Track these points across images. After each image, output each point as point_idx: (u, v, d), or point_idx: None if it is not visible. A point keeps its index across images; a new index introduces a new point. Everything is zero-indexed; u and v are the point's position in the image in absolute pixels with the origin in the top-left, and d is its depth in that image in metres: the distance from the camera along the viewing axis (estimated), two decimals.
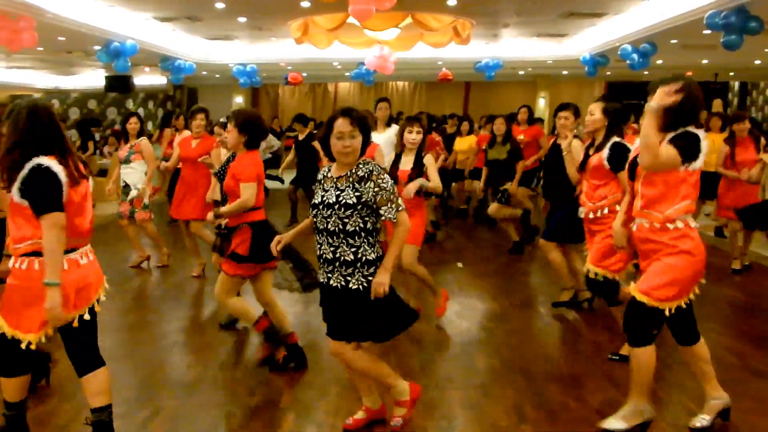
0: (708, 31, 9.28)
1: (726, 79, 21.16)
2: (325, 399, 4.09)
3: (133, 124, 7.45)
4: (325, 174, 3.48)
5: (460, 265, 7.71)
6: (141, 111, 21.09)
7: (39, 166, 3.03)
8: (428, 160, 5.28)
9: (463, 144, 10.27)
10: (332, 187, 3.36)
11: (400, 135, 5.34)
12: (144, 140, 7.47)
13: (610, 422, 3.55)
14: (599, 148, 4.44)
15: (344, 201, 3.29)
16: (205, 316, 5.99)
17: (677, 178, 3.32)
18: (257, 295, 4.67)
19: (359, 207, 3.29)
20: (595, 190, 4.41)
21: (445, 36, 12.65)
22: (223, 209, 4.52)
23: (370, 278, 3.34)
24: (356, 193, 3.29)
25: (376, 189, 3.29)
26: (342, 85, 23.61)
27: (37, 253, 3.04)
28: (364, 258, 3.34)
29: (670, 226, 3.36)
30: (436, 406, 4.04)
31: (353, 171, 3.34)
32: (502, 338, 5.22)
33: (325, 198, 3.35)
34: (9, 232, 3.19)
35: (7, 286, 3.17)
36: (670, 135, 3.31)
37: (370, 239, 3.37)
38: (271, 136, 14.47)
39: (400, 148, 5.35)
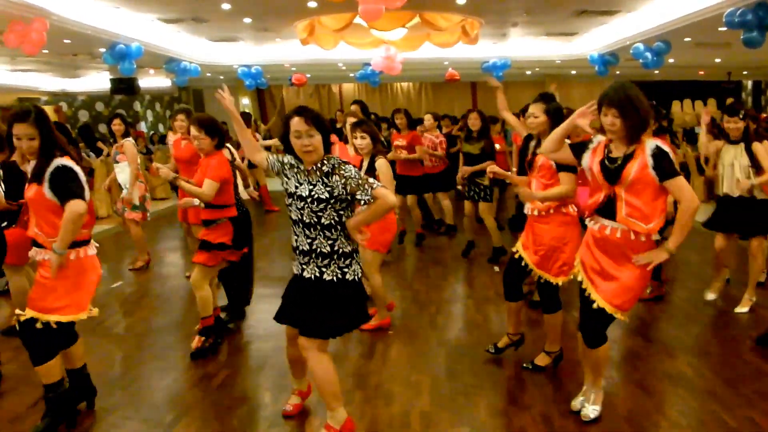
0: (724, 29, 9.11)
1: (739, 77, 20.93)
2: (351, 405, 4.01)
3: (117, 126, 7.61)
4: (297, 164, 3.49)
5: (496, 269, 7.51)
6: (149, 113, 21.01)
7: (63, 165, 3.51)
8: (380, 164, 5.19)
9: None
10: (305, 180, 3.43)
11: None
12: (127, 141, 7.55)
13: (588, 410, 3.79)
14: None
15: (317, 196, 3.37)
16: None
17: (656, 191, 3.39)
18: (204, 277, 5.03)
19: (332, 201, 3.36)
20: (545, 189, 4.31)
21: (453, 36, 12.50)
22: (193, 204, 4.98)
23: (345, 269, 3.44)
24: (327, 188, 3.36)
25: (342, 181, 3.34)
26: (346, 86, 23.50)
27: (77, 243, 3.57)
28: (341, 250, 3.43)
29: (643, 238, 3.45)
30: (462, 413, 3.97)
31: (319, 166, 3.41)
32: (533, 344, 5.04)
33: (298, 190, 3.43)
34: (38, 229, 3.58)
35: (46, 279, 3.54)
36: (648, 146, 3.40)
37: (346, 232, 3.43)
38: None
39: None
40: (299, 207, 3.41)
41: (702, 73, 19.30)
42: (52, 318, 3.55)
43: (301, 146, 3.37)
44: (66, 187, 3.49)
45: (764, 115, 16.65)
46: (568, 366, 4.59)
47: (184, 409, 4.10)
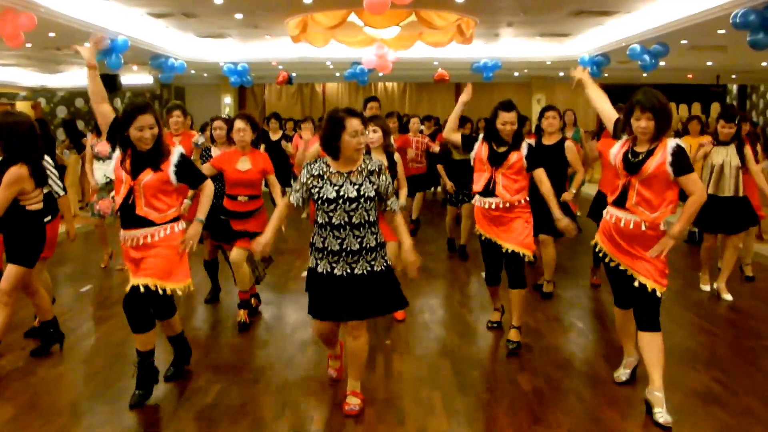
0: (722, 31, 8.99)
1: (727, 81, 20.88)
2: (362, 423, 3.77)
3: None
4: (326, 169, 3.64)
5: (483, 274, 7.30)
6: None
7: (183, 152, 3.90)
8: (397, 158, 5.51)
9: None
10: (346, 181, 3.58)
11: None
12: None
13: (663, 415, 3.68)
14: (517, 148, 4.90)
15: (366, 194, 3.57)
16: (229, 327, 5.63)
17: (668, 184, 3.69)
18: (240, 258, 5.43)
19: (376, 198, 3.63)
20: (515, 184, 4.85)
21: (447, 35, 12.34)
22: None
23: (384, 255, 3.74)
24: (374, 186, 3.61)
25: (387, 182, 3.65)
26: (329, 85, 23.20)
27: (176, 219, 3.92)
28: (381, 240, 3.72)
29: (649, 225, 3.74)
30: None
31: (364, 166, 3.62)
32: (542, 356, 4.86)
33: (341, 192, 3.55)
34: (149, 208, 3.81)
35: (158, 253, 3.82)
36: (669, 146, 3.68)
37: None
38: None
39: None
40: (348, 209, 3.57)
41: (690, 76, 19.25)
42: (171, 285, 3.87)
43: (357, 144, 3.57)
44: (196, 170, 4.03)
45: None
46: (590, 381, 4.40)
47: (179, 427, 3.77)
